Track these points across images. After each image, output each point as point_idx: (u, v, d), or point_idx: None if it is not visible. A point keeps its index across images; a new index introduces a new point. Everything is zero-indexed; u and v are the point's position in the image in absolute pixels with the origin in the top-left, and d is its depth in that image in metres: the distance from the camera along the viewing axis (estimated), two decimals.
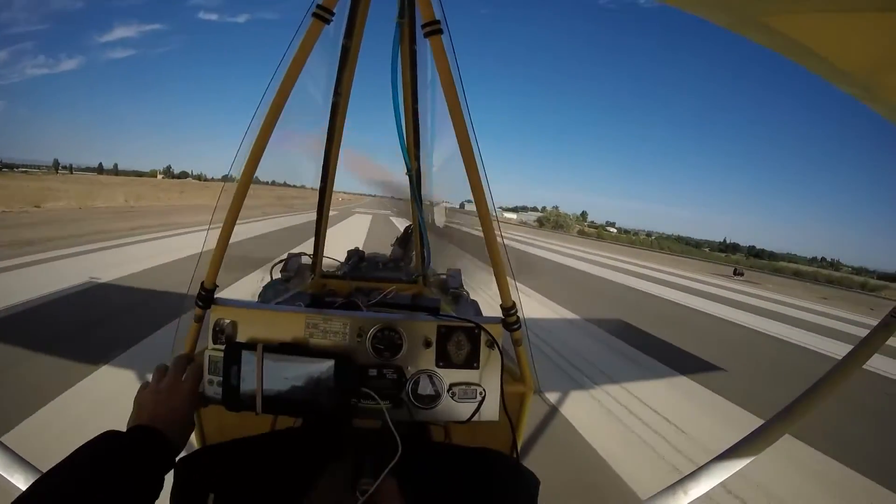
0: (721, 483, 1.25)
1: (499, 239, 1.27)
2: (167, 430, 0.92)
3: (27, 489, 0.70)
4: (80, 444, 0.80)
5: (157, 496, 0.84)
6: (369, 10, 1.60)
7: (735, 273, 31.95)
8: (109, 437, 0.84)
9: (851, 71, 0.73)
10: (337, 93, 1.94)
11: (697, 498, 1.25)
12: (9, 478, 0.97)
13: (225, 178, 1.31)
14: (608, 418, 4.58)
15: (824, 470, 4.05)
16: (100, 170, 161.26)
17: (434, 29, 1.09)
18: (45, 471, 0.75)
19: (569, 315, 9.41)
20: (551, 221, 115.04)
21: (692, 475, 1.27)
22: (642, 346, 7.57)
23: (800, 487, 3.71)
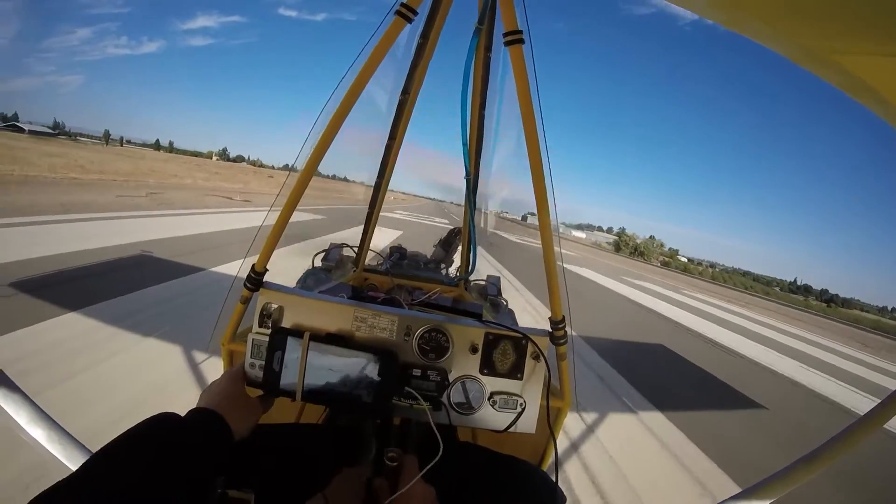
0: None
1: (557, 251, 1.28)
2: (228, 414, 0.92)
3: (80, 468, 0.69)
4: (134, 424, 0.79)
5: (213, 478, 0.83)
6: (449, 13, 1.65)
7: None
8: (165, 417, 0.83)
9: None
10: (405, 91, 2.01)
11: None
12: (57, 454, 0.96)
13: (289, 168, 1.37)
14: None
15: None
16: (157, 146, 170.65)
17: (516, 38, 1.12)
18: (94, 450, 0.74)
19: None
20: (630, 247, 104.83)
21: None
22: None
23: None
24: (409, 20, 1.14)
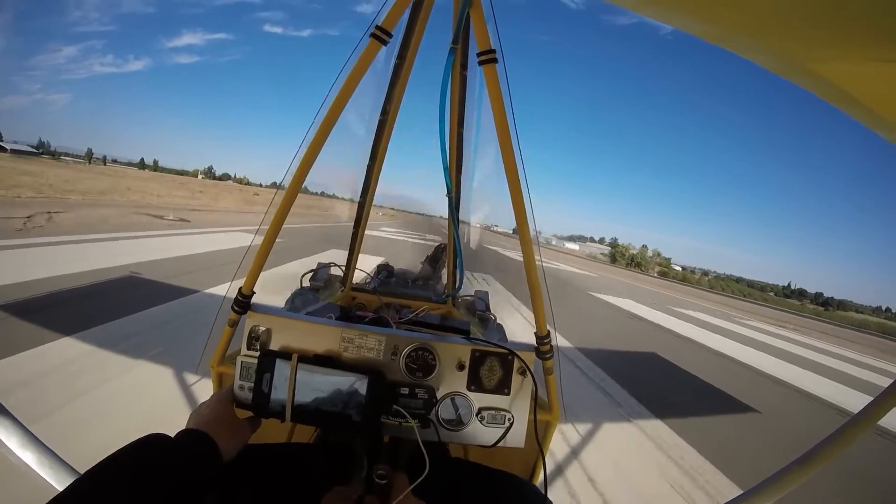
0: None
1: (538, 266, 1.31)
2: (217, 436, 0.93)
3: (67, 489, 0.69)
4: (123, 445, 0.80)
5: (202, 499, 0.84)
6: (424, 33, 1.70)
7: None
8: (154, 438, 0.84)
9: (892, 119, 0.74)
10: (384, 111, 2.05)
11: None
12: (47, 478, 0.95)
13: (277, 186, 1.39)
14: None
15: None
16: (141, 164, 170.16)
17: (490, 58, 1.16)
18: (82, 471, 0.75)
19: None
20: (626, 258, 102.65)
21: None
22: None
23: None
24: (385, 42, 1.17)
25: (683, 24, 0.74)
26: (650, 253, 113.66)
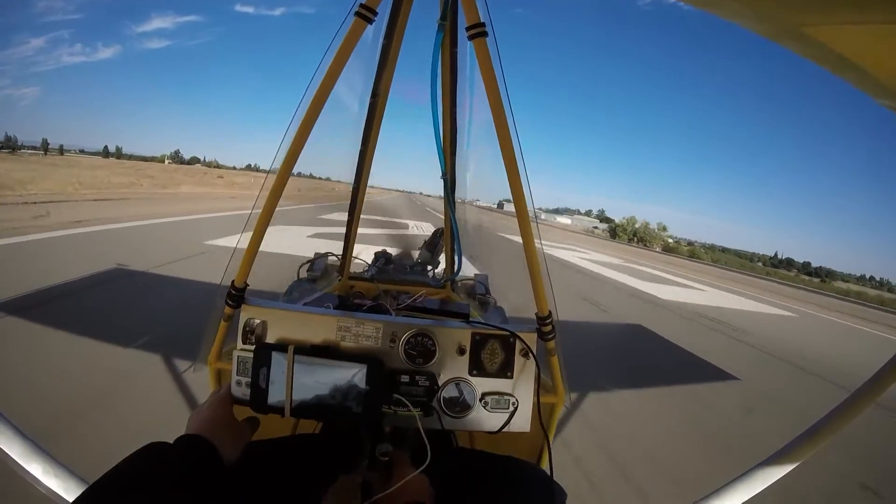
0: None
1: (538, 245, 1.32)
2: (217, 439, 0.95)
3: (75, 502, 0.71)
4: (125, 456, 0.82)
5: (207, 503, 0.85)
6: (411, 10, 1.66)
7: None
8: (154, 447, 0.86)
9: (885, 82, 0.75)
10: (375, 93, 2.03)
11: None
12: (51, 486, 0.96)
13: (265, 171, 1.37)
14: None
15: None
16: (105, 153, 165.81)
17: (479, 31, 1.15)
18: (89, 479, 0.76)
19: None
20: (628, 232, 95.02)
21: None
22: None
23: None
24: (370, 21, 1.15)
25: None
26: (654, 226, 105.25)
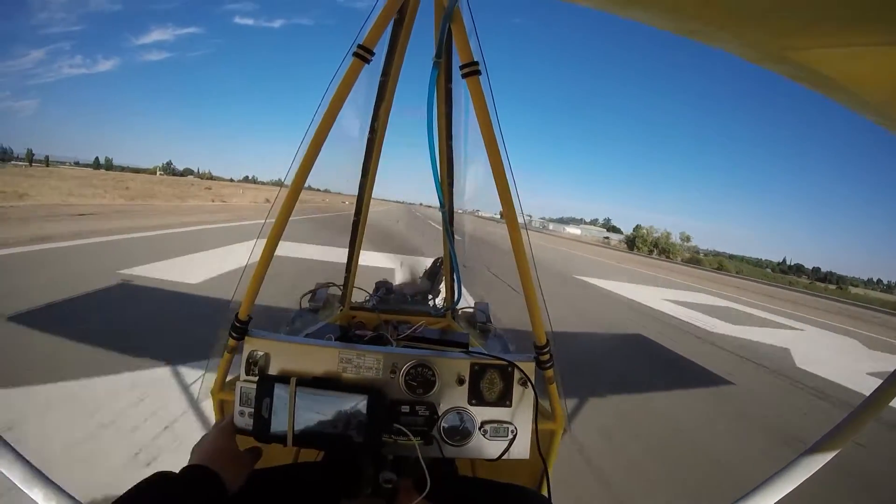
0: None
1: (533, 274, 1.36)
2: (221, 469, 0.99)
3: None
4: (132, 486, 0.86)
5: None
6: (407, 49, 1.74)
7: None
8: (161, 477, 0.90)
9: (875, 102, 0.76)
10: (372, 129, 2.10)
11: None
12: None
13: (261, 182, 1.41)
14: None
15: None
16: (95, 164, 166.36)
17: (472, 70, 1.20)
18: None
19: None
20: (648, 243, 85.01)
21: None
22: None
23: None
24: (367, 61, 1.21)
25: (652, 21, 0.75)
26: (676, 237, 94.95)
